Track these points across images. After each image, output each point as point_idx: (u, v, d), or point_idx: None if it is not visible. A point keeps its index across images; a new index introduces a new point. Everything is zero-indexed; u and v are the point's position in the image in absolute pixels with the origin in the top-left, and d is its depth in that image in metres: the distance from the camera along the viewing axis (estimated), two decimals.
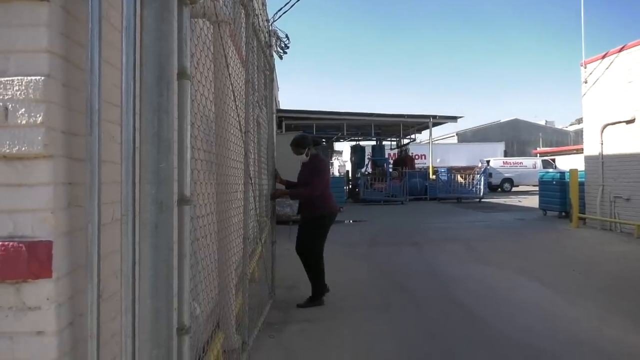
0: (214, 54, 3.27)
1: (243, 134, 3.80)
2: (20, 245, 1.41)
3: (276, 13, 12.93)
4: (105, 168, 1.58)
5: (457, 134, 44.44)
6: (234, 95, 3.47)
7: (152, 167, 1.39)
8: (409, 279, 6.10)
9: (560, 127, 52.28)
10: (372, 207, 18.15)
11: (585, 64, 10.98)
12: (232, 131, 3.67)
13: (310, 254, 4.96)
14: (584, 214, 10.86)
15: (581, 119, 11.79)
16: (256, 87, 7.90)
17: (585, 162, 11.09)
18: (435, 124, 24.84)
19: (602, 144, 10.40)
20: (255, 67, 6.36)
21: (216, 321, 3.43)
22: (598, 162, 10.49)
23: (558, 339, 3.89)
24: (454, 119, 24.45)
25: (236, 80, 3.82)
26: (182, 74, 1.70)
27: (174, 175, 1.50)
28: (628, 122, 9.62)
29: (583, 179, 11.13)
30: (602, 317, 4.44)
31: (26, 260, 1.40)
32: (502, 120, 47.97)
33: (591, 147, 10.86)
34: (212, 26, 3.19)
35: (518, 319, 4.40)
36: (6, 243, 1.41)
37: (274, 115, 5.77)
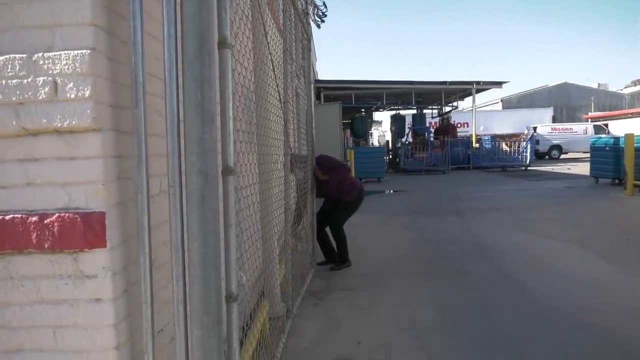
0: (252, 22, 3.23)
1: (282, 104, 3.78)
2: (76, 216, 1.46)
3: None
4: (151, 141, 1.61)
5: (501, 101, 42.73)
6: (272, 65, 3.44)
7: (197, 138, 1.40)
8: (453, 249, 6.01)
9: (614, 89, 49.15)
10: (413, 177, 17.91)
11: None
12: (272, 101, 3.66)
13: (339, 230, 5.27)
14: (639, 180, 10.28)
15: (638, 80, 11.00)
16: (294, 56, 7.82)
17: None
18: (478, 91, 23.94)
19: None
20: (293, 36, 6.28)
21: (261, 290, 3.51)
22: None
23: (611, 310, 3.74)
24: (498, 84, 23.46)
25: (275, 50, 3.78)
26: (222, 43, 1.67)
27: (218, 146, 1.51)
28: None
29: (639, 144, 10.48)
30: None
31: (82, 231, 1.46)
32: (550, 85, 45.62)
33: None
34: None
35: (567, 289, 4.26)
36: (62, 214, 1.47)
37: (312, 86, 5.68)
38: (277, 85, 3.75)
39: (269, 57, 3.40)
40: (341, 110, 16.46)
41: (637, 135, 10.58)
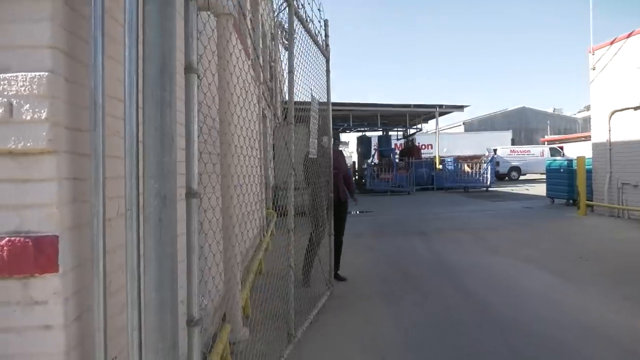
0: (234, 46, 3.26)
1: (273, 125, 3.80)
2: (27, 240, 1.43)
3: (281, 4, 12.88)
4: (110, 163, 1.59)
5: (463, 124, 44.13)
6: (260, 91, 3.48)
7: (156, 161, 1.40)
8: (417, 269, 6.09)
9: (568, 114, 51.70)
10: (378, 197, 18.12)
11: (593, 50, 10.82)
12: (242, 124, 3.68)
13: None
14: (591, 201, 10.78)
15: (589, 105, 11.67)
16: (261, 79, 7.86)
17: (592, 149, 10.99)
18: (441, 114, 24.68)
19: (609, 130, 10.29)
20: (268, 56, 6.24)
21: (223, 313, 3.46)
22: (606, 149, 10.39)
23: (565, 326, 3.88)
24: (460, 107, 24.27)
25: (247, 74, 3.82)
26: (189, 68, 1.70)
27: (178, 169, 1.51)
28: (636, 108, 9.50)
29: (590, 167, 11.03)
30: (609, 303, 4.42)
31: (33, 255, 1.42)
32: (509, 109, 47.53)
33: (599, 134, 10.76)
34: (228, 19, 3.16)
35: (525, 307, 4.39)
36: (13, 238, 1.43)
37: (329, 106, 5.56)
38: (273, 106, 3.78)
39: (250, 82, 3.43)
40: (308, 130, 16.56)
41: (588, 158, 11.14)
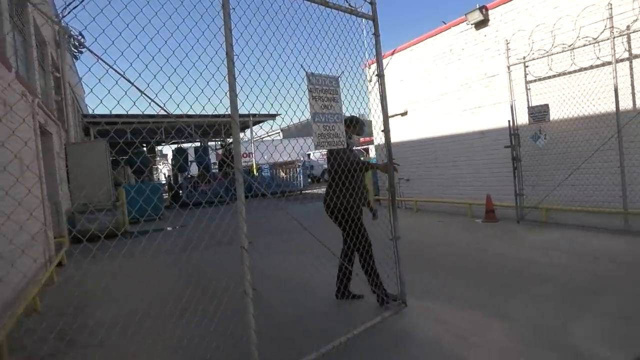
0: None
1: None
2: None
3: (64, 8, 11.69)
4: None
5: (282, 131, 46.24)
6: (34, 105, 3.12)
7: None
8: (217, 278, 6.22)
9: (370, 119, 58.60)
10: (196, 210, 17.76)
11: (369, 65, 12.50)
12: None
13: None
14: (378, 195, 12.44)
15: None
16: (36, 92, 7.09)
17: (375, 150, 12.71)
18: (255, 123, 25.51)
19: None
20: (50, 66, 5.67)
21: None
22: (383, 150, 12.13)
23: (336, 317, 4.47)
24: (272, 116, 25.40)
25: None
26: None
27: None
28: (403, 114, 11.32)
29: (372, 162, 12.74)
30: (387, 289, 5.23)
31: None
32: None
33: (378, 137, 12.48)
34: None
35: (306, 302, 4.89)
36: None
37: (382, 79, 4.85)
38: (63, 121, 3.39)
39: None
40: (108, 146, 15.43)
41: (373, 158, 12.83)
